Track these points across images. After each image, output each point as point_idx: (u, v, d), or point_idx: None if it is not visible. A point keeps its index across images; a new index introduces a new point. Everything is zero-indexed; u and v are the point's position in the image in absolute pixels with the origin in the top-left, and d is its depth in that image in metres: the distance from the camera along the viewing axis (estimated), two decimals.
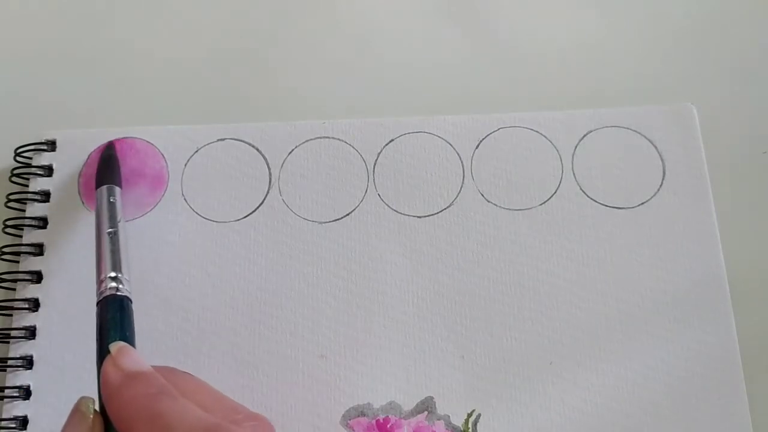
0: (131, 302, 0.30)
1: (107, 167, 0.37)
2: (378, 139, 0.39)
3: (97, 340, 0.28)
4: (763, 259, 0.37)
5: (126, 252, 0.32)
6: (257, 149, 0.38)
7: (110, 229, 0.33)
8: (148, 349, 0.34)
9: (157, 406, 0.24)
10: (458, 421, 0.34)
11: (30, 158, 0.38)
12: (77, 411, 0.26)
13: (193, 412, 0.24)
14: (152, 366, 0.27)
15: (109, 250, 0.32)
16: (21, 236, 0.37)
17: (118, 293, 0.30)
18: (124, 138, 0.39)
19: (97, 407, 0.26)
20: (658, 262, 0.36)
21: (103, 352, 0.27)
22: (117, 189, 0.35)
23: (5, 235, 0.37)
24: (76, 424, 0.25)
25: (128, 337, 0.28)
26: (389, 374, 0.34)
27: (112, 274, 0.30)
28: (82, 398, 0.26)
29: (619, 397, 0.34)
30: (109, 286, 0.30)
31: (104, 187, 0.35)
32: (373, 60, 0.42)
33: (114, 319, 0.29)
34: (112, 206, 0.34)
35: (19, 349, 0.35)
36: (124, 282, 0.30)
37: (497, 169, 0.38)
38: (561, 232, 0.37)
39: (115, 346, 0.27)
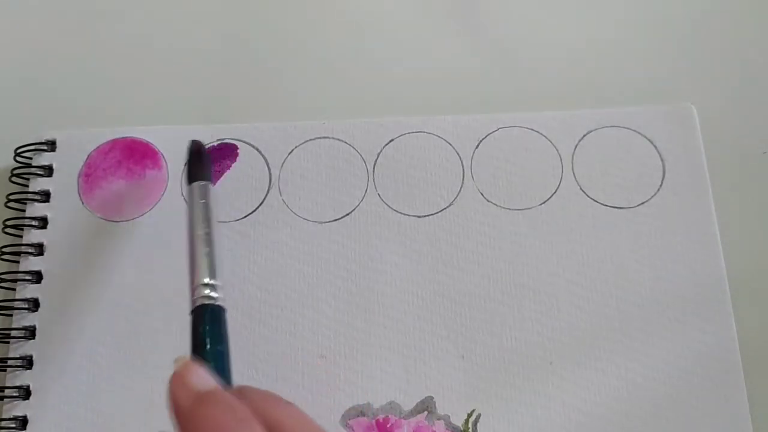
0: (225, 312, 0.29)
1: (198, 161, 0.35)
2: (378, 139, 0.39)
3: (191, 349, 0.27)
4: (763, 259, 0.37)
5: (219, 256, 0.30)
6: (257, 149, 0.38)
7: (205, 231, 0.31)
8: (147, 349, 0.35)
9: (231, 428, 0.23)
10: (458, 421, 0.34)
11: (30, 158, 0.38)
12: None
13: None
14: (252, 387, 0.26)
15: (203, 253, 0.30)
16: (21, 236, 0.37)
17: (214, 303, 0.28)
18: (123, 138, 0.39)
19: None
20: (658, 262, 0.36)
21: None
22: (209, 186, 0.33)
23: (5, 235, 0.36)
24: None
25: (223, 351, 0.27)
26: (389, 374, 0.34)
27: (206, 281, 0.29)
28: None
29: (619, 397, 0.34)
30: (203, 294, 0.28)
31: (195, 185, 0.33)
32: (373, 60, 0.42)
33: (207, 330, 0.27)
34: (205, 205, 0.32)
35: (19, 349, 0.35)
36: (218, 289, 0.29)
37: (497, 169, 0.38)
38: (561, 232, 0.37)
39: (179, 362, 0.25)
